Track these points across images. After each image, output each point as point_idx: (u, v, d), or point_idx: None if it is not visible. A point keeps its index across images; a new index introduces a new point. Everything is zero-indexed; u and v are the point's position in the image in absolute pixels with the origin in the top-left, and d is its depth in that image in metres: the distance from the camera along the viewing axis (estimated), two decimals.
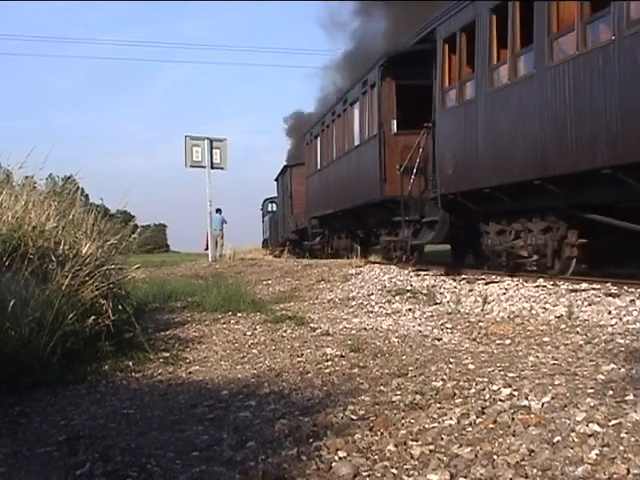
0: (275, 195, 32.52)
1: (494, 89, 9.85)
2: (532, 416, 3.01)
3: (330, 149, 18.91)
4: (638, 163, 6.84)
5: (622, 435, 2.69)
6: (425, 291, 8.82)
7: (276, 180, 30.98)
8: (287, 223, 27.47)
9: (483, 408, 3.22)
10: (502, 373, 3.98)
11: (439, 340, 5.55)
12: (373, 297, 9.12)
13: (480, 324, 6.22)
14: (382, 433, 3.02)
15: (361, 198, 15.37)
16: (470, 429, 2.98)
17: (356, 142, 16.02)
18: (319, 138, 20.64)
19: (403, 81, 13.52)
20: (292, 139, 45.85)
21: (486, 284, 8.71)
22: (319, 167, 20.54)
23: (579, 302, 6.61)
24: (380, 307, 8.12)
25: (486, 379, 3.81)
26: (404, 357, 4.77)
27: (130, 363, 5.06)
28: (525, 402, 3.25)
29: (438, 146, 11.58)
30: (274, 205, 33.80)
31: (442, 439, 2.88)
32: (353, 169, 16.36)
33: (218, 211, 23.11)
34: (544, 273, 9.10)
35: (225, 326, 7.12)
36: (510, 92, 9.43)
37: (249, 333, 6.53)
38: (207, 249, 21.01)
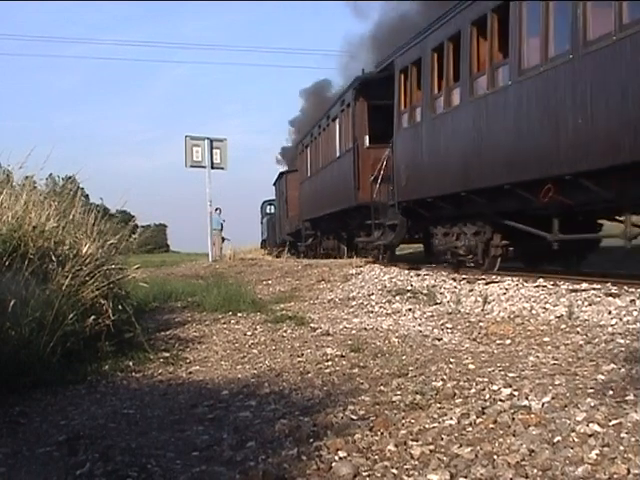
0: (273, 198, 34.34)
1: (435, 115, 11.86)
2: (532, 416, 3.01)
3: (318, 158, 21.27)
4: (527, 180, 8.89)
5: (622, 435, 2.69)
6: (425, 291, 8.82)
7: (274, 185, 33.23)
8: (283, 225, 29.48)
9: (483, 408, 3.22)
10: (502, 373, 3.98)
11: (439, 340, 5.55)
12: (373, 297, 9.11)
13: (480, 324, 6.22)
14: (382, 433, 3.01)
15: (341, 204, 17.45)
16: (470, 429, 2.98)
17: (337, 154, 18.22)
18: (309, 148, 23.19)
19: (374, 101, 15.37)
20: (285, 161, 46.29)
21: (486, 284, 8.71)
22: (309, 174, 22.95)
23: (579, 302, 6.60)
24: (380, 307, 8.12)
25: (486, 379, 3.81)
26: (404, 357, 4.77)
27: (130, 363, 5.06)
28: (525, 402, 3.25)
29: (395, 160, 13.54)
30: (272, 207, 35.67)
31: (442, 439, 2.87)
32: (335, 177, 18.55)
33: (217, 211, 23.15)
34: (477, 269, 10.75)
35: (225, 326, 7.13)
36: (444, 119, 11.52)
37: (249, 333, 6.54)
38: (223, 241, 22.42)
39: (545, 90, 8.42)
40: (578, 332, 5.40)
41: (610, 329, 5.36)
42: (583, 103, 7.67)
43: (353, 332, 6.20)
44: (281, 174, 30.60)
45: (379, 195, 14.54)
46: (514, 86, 9.14)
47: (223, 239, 23.16)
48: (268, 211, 37.35)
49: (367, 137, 15.75)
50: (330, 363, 4.74)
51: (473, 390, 3.61)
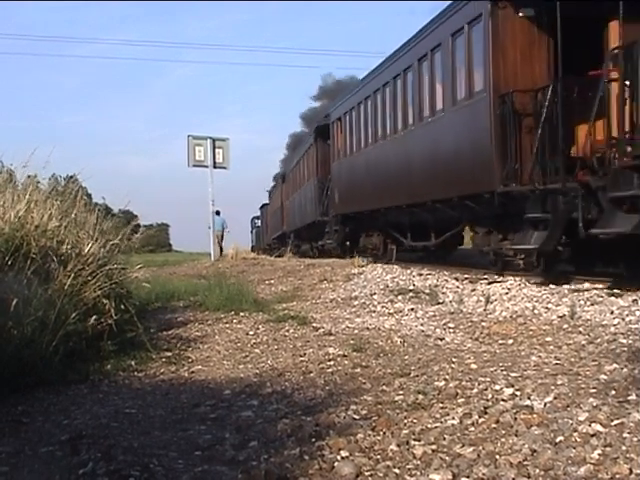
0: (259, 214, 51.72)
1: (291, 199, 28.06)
2: (534, 416, 3.01)
3: (275, 204, 37.07)
4: None
5: (624, 435, 2.69)
6: (427, 291, 8.81)
7: (260, 209, 48.30)
8: (264, 238, 44.12)
9: (485, 408, 3.22)
10: (504, 373, 3.97)
11: (441, 340, 5.55)
12: (375, 297, 9.10)
13: (482, 324, 6.21)
14: (384, 433, 3.01)
15: (279, 231, 33.22)
16: (472, 429, 2.98)
17: (277, 205, 34.40)
18: (272, 195, 40.38)
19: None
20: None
21: (489, 284, 8.70)
22: (273, 211, 38.29)
23: (581, 302, 6.60)
24: (382, 307, 8.10)
25: (488, 379, 3.81)
26: (406, 357, 4.77)
27: (132, 362, 5.06)
28: (528, 402, 3.25)
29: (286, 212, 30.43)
30: (259, 221, 49.87)
31: (444, 439, 2.87)
32: (276, 217, 34.97)
33: (217, 213, 23.18)
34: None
35: (227, 326, 7.13)
36: (293, 202, 28.69)
37: (251, 333, 6.54)
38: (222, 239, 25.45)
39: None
40: (580, 332, 5.39)
41: (612, 329, 5.35)
42: None
43: (355, 332, 6.20)
44: (263, 205, 45.85)
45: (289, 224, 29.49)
46: (364, 150, 16.13)
47: (222, 237, 25.08)
48: (255, 224, 51.18)
49: (287, 200, 30.44)
50: (332, 363, 4.74)
51: (475, 390, 3.60)
